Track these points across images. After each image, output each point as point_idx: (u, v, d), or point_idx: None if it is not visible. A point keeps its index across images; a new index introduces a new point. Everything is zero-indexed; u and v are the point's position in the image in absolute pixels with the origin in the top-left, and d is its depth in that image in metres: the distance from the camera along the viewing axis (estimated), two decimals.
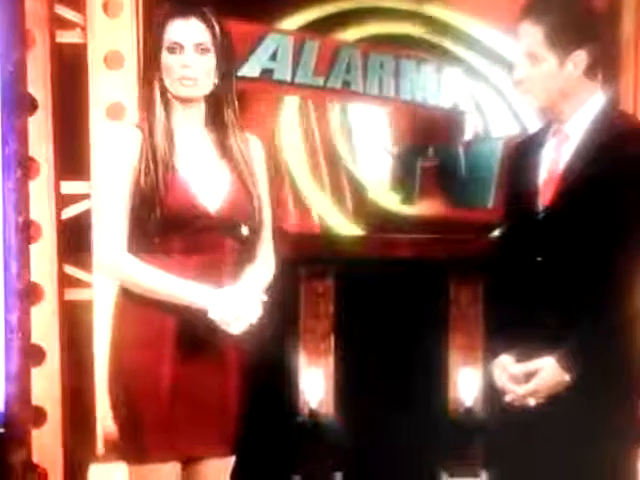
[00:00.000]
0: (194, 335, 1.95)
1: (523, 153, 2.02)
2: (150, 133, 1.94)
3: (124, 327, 1.98)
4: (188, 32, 1.94)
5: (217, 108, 1.99)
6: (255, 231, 2.01)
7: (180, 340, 1.95)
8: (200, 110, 1.98)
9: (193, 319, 1.93)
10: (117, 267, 1.94)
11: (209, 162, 1.99)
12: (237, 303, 1.90)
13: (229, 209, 1.97)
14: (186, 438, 1.96)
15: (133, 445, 1.96)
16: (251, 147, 2.04)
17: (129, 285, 1.95)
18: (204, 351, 1.96)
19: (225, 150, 1.99)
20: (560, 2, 1.93)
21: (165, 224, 1.92)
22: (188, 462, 2.00)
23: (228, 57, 1.98)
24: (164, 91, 1.96)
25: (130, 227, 1.94)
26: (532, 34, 1.89)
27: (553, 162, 1.94)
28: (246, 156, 2.01)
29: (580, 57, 1.89)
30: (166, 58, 1.94)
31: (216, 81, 1.97)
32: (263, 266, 2.05)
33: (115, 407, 2.00)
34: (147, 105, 1.95)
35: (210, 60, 1.96)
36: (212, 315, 1.91)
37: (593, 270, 1.86)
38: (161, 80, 1.95)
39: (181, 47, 1.94)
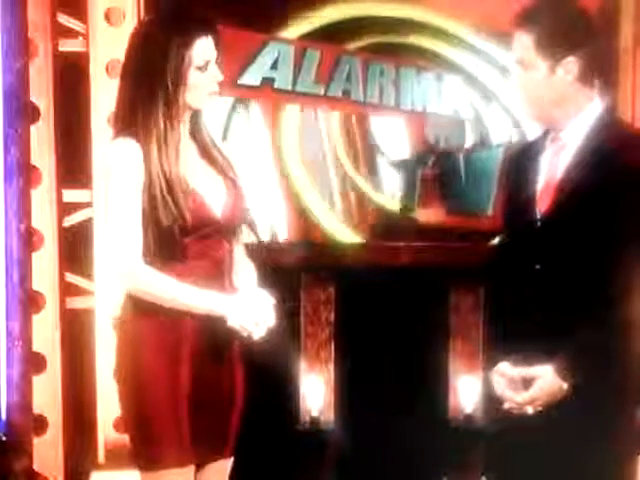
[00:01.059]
0: (206, 342, 1.96)
1: (521, 161, 2.02)
2: (166, 156, 1.93)
3: (135, 338, 1.98)
4: (211, 49, 1.98)
5: (199, 117, 2.03)
6: (240, 233, 2.06)
7: (192, 347, 1.96)
8: (186, 123, 2.01)
9: (210, 327, 1.94)
10: (134, 277, 1.94)
11: (205, 171, 2.02)
12: (255, 309, 1.92)
13: (230, 213, 2.00)
14: (197, 443, 1.96)
15: (146, 453, 1.97)
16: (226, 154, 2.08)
17: (145, 294, 1.95)
18: (214, 357, 1.98)
19: (211, 158, 2.03)
20: (550, 10, 1.93)
21: (181, 233, 1.94)
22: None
23: None
24: (181, 109, 1.97)
25: (144, 236, 1.95)
26: (523, 42, 1.90)
27: (550, 170, 1.94)
28: (229, 161, 2.05)
29: (571, 64, 1.89)
30: (195, 76, 1.96)
31: None
32: (251, 268, 2.08)
33: (128, 416, 2.01)
34: (166, 126, 1.93)
35: None
36: (232, 323, 1.92)
37: (591, 278, 1.86)
38: (182, 98, 1.96)
39: (208, 64, 1.98)
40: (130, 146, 1.95)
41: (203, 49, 1.96)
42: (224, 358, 1.99)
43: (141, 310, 1.97)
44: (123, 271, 1.95)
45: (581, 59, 1.89)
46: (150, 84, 1.94)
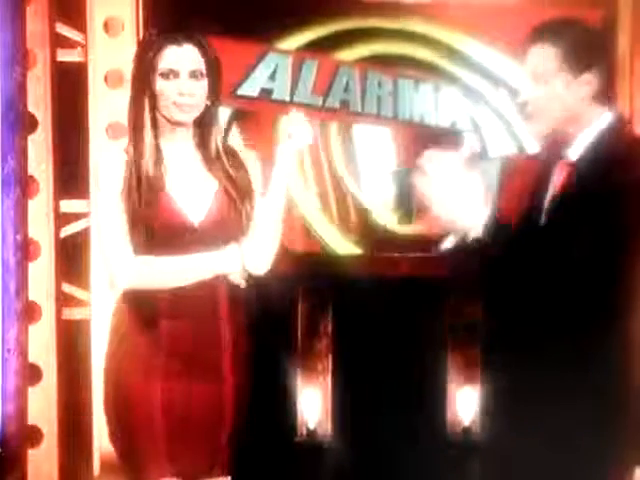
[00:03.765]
0: (190, 355, 1.96)
1: (525, 176, 2.03)
2: (139, 154, 1.97)
3: (119, 347, 1.99)
4: (183, 59, 1.98)
5: (205, 128, 2.03)
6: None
7: (176, 360, 1.96)
8: (189, 130, 2.02)
9: (190, 341, 1.96)
10: (135, 270, 1.95)
11: (196, 179, 2.02)
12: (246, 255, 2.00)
13: (213, 223, 2.00)
14: (183, 458, 1.96)
15: (130, 465, 1.97)
16: (245, 160, 2.07)
17: (150, 284, 1.95)
18: (200, 371, 1.97)
19: (212, 166, 2.03)
20: (574, 25, 1.96)
21: (154, 240, 1.95)
22: None
23: (219, 81, 2.03)
24: (154, 113, 1.99)
25: (132, 235, 1.98)
26: (545, 55, 1.91)
27: (556, 184, 1.94)
28: (234, 171, 2.04)
29: (588, 79, 1.91)
30: (159, 84, 1.97)
31: (208, 103, 2.01)
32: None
33: (111, 427, 2.01)
34: (136, 126, 1.98)
35: (204, 85, 2.00)
36: (234, 277, 1.98)
37: (595, 291, 1.86)
38: (152, 103, 1.98)
39: (175, 73, 1.97)
40: (113, 152, 2.01)
41: (171, 57, 1.96)
42: (206, 373, 1.98)
43: (124, 324, 1.99)
44: (117, 268, 1.95)
45: (597, 75, 1.91)
46: (132, 88, 2.01)
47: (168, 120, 1.99)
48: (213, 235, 1.99)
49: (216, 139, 2.03)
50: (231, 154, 2.05)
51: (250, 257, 2.01)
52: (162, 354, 1.95)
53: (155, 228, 1.94)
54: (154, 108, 1.98)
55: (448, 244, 1.96)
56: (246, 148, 2.13)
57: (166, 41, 1.96)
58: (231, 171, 2.03)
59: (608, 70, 1.94)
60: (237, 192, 2.01)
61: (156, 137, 1.98)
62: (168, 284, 1.94)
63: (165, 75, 1.96)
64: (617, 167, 1.88)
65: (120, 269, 1.95)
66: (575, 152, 1.94)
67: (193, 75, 1.97)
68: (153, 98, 1.97)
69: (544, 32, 1.93)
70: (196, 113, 2.00)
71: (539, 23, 1.96)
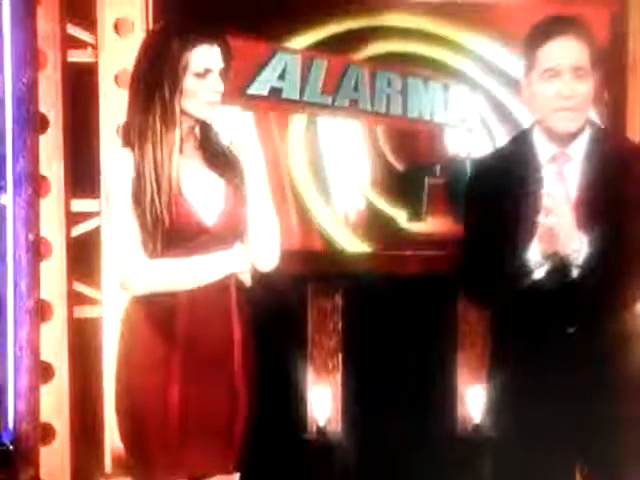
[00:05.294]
0: (201, 353, 1.97)
1: (504, 174, 1.94)
2: (160, 157, 1.94)
3: (131, 347, 2.00)
4: (215, 59, 1.97)
5: (209, 127, 2.02)
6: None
7: (187, 358, 1.96)
8: (194, 130, 2.02)
9: (204, 339, 1.95)
10: (148, 274, 1.95)
11: (205, 179, 2.02)
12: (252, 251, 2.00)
13: (225, 224, 2.00)
14: (193, 456, 1.96)
15: (140, 463, 1.98)
16: (245, 157, 2.04)
17: (164, 287, 1.95)
18: (211, 368, 1.97)
19: (217, 166, 2.02)
20: (581, 22, 1.96)
21: (169, 243, 1.95)
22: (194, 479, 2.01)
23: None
24: (176, 113, 1.97)
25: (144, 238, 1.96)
26: (578, 50, 1.89)
27: (560, 184, 1.92)
28: (237, 167, 2.02)
29: (596, 78, 1.91)
30: (192, 82, 1.96)
31: None
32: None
33: (122, 426, 2.02)
34: (156, 129, 1.94)
35: (223, 83, 2.01)
36: (244, 276, 1.98)
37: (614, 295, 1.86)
38: (179, 102, 1.96)
39: (210, 72, 1.97)
40: (122, 156, 1.97)
41: (204, 56, 1.95)
42: (216, 371, 1.98)
43: (136, 321, 1.99)
44: (132, 272, 1.95)
45: (597, 76, 1.92)
46: (149, 87, 1.95)
47: (195, 119, 1.97)
48: (225, 235, 1.99)
49: (217, 137, 2.02)
50: (231, 153, 2.04)
51: (257, 254, 2.01)
52: (176, 354, 1.95)
53: (172, 231, 1.93)
54: (180, 108, 1.95)
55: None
56: (249, 145, 2.07)
57: (197, 39, 1.94)
58: (233, 165, 2.02)
59: (603, 71, 1.95)
60: (244, 191, 2.02)
61: (182, 139, 1.96)
62: (181, 286, 1.94)
63: (200, 74, 1.94)
64: (629, 165, 1.87)
65: (134, 273, 1.95)
66: (574, 151, 1.93)
67: (221, 74, 1.97)
68: (180, 97, 1.94)
69: (578, 27, 1.91)
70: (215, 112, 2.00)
71: (552, 16, 1.95)
